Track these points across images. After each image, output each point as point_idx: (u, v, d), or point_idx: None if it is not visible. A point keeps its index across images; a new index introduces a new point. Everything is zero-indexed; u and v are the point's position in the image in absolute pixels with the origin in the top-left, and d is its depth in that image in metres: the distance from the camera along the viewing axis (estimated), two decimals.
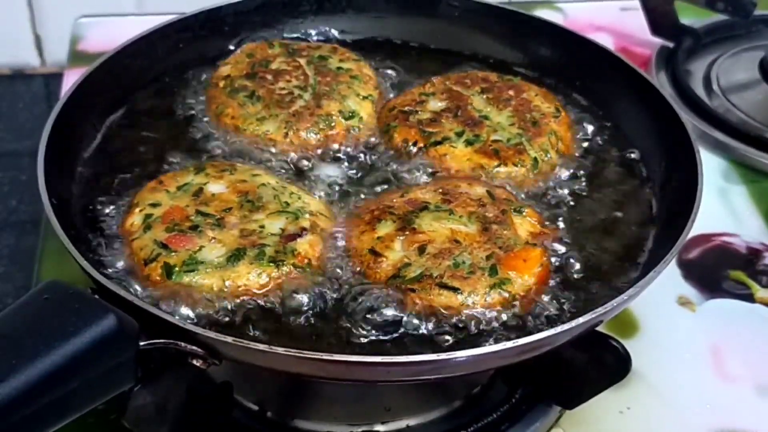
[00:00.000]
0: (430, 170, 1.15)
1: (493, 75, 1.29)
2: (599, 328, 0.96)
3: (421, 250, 0.99)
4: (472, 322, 0.94)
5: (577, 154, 1.20)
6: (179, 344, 0.85)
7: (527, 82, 1.28)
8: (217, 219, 1.01)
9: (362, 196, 1.11)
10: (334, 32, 1.41)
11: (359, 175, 1.15)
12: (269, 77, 1.25)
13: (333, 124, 1.18)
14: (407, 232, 1.01)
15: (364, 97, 1.23)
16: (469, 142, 1.16)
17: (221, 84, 1.25)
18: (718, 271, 1.32)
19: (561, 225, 1.08)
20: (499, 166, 1.13)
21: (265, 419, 1.09)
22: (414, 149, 1.17)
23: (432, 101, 1.24)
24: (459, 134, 1.17)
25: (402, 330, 0.94)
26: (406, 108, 1.22)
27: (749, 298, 1.29)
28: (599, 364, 1.00)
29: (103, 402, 0.79)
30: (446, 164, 1.15)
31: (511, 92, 1.25)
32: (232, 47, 1.35)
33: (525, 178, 1.13)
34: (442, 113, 1.21)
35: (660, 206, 1.13)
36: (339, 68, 1.27)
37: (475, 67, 1.34)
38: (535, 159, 1.14)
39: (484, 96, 1.24)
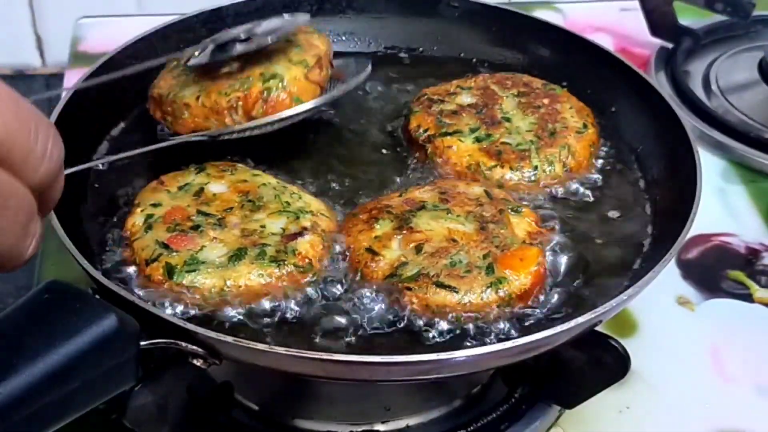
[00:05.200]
0: (429, 168, 1.15)
1: (539, 81, 1.27)
2: (598, 328, 0.96)
3: (418, 249, 0.99)
4: (470, 322, 0.94)
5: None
6: (180, 344, 0.86)
7: (570, 94, 1.25)
8: (218, 219, 1.01)
9: (361, 195, 1.12)
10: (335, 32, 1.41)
11: (359, 175, 1.15)
12: None
13: (249, 87, 1.09)
14: (404, 231, 1.01)
15: (297, 63, 1.12)
16: (478, 139, 1.16)
17: None
18: (717, 271, 1.32)
19: (559, 224, 1.08)
20: (495, 167, 1.13)
21: (265, 419, 1.09)
22: (424, 135, 1.17)
23: (464, 95, 1.24)
24: (473, 130, 1.17)
25: (399, 329, 0.94)
26: (435, 97, 1.23)
27: (748, 298, 1.29)
28: (598, 363, 1.00)
29: (104, 402, 0.79)
30: (446, 156, 1.15)
31: (545, 100, 1.23)
32: None
33: (519, 184, 1.12)
34: (466, 108, 1.21)
35: (659, 206, 1.13)
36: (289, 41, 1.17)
37: (474, 68, 1.35)
38: (536, 167, 1.13)
39: (518, 99, 1.23)
